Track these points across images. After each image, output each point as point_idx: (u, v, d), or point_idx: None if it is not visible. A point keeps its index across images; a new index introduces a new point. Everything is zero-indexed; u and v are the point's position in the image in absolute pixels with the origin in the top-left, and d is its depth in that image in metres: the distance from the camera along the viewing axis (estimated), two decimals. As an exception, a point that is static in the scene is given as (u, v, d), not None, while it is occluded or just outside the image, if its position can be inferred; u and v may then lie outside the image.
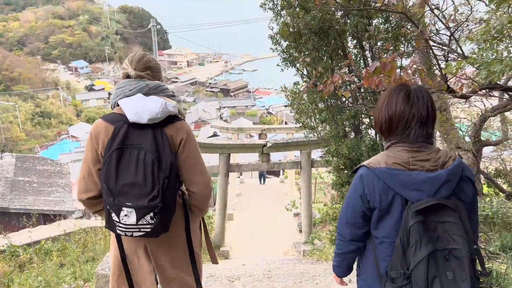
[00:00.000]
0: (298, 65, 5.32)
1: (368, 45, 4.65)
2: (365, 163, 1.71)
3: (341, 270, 1.93)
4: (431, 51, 3.16)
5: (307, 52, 5.10)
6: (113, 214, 1.82)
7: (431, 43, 4.00)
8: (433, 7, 3.52)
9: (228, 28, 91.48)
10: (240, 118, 45.51)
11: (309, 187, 8.90)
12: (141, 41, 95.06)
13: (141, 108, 1.85)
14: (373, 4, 4.03)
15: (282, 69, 5.55)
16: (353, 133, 5.70)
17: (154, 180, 1.79)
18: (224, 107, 54.53)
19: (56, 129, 56.57)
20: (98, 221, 7.57)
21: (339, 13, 4.41)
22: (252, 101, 66.41)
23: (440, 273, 1.48)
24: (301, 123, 6.65)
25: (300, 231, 10.79)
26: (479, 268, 1.60)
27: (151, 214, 1.79)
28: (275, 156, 13.36)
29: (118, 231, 1.86)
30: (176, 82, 79.96)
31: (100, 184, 1.91)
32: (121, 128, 1.85)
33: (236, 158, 14.30)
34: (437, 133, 7.43)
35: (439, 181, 1.57)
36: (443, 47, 3.40)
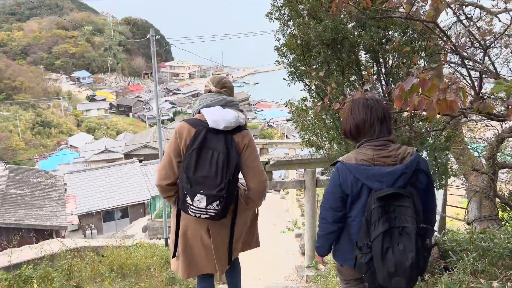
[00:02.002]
0: (305, 79, 4.92)
1: (382, 60, 4.25)
2: (340, 159, 2.17)
3: (324, 250, 2.37)
4: (464, 67, 2.74)
5: (315, 66, 4.70)
6: (188, 198, 2.28)
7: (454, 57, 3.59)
8: (463, 17, 3.11)
9: (230, 40, 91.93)
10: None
11: (314, 207, 8.42)
12: (144, 52, 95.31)
13: (219, 117, 2.33)
14: (396, 12, 3.62)
15: (288, 83, 5.14)
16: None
17: (222, 176, 2.25)
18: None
19: (56, 138, 56.18)
20: (86, 241, 7.04)
21: (351, 24, 4.00)
22: (253, 113, 66.19)
23: (394, 245, 1.93)
24: (306, 141, 6.21)
25: (303, 253, 10.26)
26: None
27: (217, 201, 2.25)
28: (276, 173, 12.87)
29: (190, 212, 2.32)
30: (177, 93, 79.90)
31: (176, 173, 2.40)
32: (201, 132, 2.32)
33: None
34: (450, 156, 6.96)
35: (396, 174, 2.02)
36: (475, 64, 2.97)
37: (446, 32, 2.76)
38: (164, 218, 12.80)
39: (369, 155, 2.07)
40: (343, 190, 2.11)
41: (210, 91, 2.56)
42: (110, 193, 22.82)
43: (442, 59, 2.94)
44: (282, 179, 11.19)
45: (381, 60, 4.19)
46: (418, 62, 4.02)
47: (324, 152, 6.55)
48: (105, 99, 72.88)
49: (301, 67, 4.93)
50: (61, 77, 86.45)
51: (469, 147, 7.85)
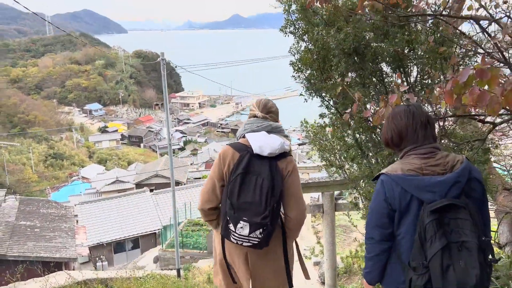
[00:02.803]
0: (324, 94, 4.66)
1: (407, 69, 3.98)
2: (383, 171, 1.98)
3: (374, 275, 2.07)
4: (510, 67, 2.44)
5: (332, 81, 4.45)
6: (230, 225, 2.20)
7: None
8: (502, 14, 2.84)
9: (239, 68, 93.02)
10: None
11: (333, 233, 7.96)
12: (154, 84, 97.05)
13: (264, 143, 2.29)
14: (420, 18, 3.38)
15: (305, 99, 4.88)
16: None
17: (267, 202, 2.17)
18: (236, 148, 53.90)
19: (68, 170, 56.51)
20: (94, 273, 6.68)
21: (372, 33, 3.75)
22: (263, 141, 65.87)
23: (454, 262, 1.72)
24: (326, 161, 5.88)
25: (322, 283, 9.70)
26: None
27: (261, 229, 2.17)
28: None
29: (232, 239, 2.24)
30: (188, 123, 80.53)
31: (219, 198, 2.35)
32: (245, 157, 2.26)
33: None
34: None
35: (449, 183, 1.83)
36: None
37: (486, 30, 2.49)
38: (176, 248, 12.40)
39: (416, 164, 1.90)
40: (390, 205, 1.93)
41: (255, 116, 2.49)
42: (121, 223, 22.54)
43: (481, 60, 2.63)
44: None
45: (406, 69, 3.92)
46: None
47: (344, 173, 6.20)
48: (116, 130, 73.66)
49: (318, 83, 4.68)
50: (74, 110, 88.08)
51: (496, 164, 7.44)
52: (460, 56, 3.34)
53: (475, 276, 1.70)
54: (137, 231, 22.27)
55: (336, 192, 9.48)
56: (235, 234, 2.21)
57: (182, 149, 64.96)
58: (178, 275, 9.09)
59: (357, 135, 4.95)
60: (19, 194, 28.80)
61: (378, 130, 4.41)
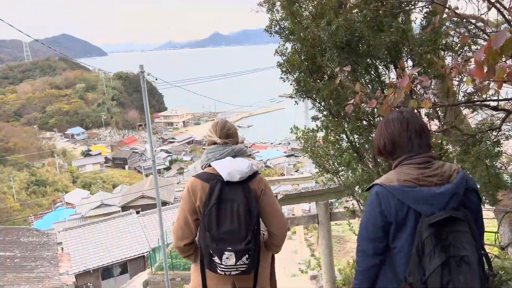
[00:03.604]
0: (315, 95, 4.39)
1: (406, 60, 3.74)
2: (378, 181, 1.89)
3: (367, 283, 1.98)
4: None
5: (329, 73, 4.18)
6: (215, 258, 2.16)
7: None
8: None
9: (223, 83, 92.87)
10: (240, 174, 44.50)
11: (330, 245, 7.62)
12: (137, 105, 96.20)
13: (233, 169, 2.24)
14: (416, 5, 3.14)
15: (296, 101, 4.61)
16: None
17: (247, 227, 2.15)
18: (223, 164, 53.45)
19: (51, 197, 55.04)
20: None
21: (364, 25, 3.50)
22: (249, 156, 65.67)
23: (453, 277, 1.65)
24: (319, 168, 5.58)
25: (321, 297, 9.32)
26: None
27: (247, 255, 2.15)
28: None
29: (219, 271, 2.19)
30: (173, 142, 79.74)
31: (194, 232, 2.31)
32: (216, 186, 2.21)
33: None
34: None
35: (447, 195, 1.76)
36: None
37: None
38: (165, 270, 11.85)
39: (412, 175, 1.82)
40: (386, 217, 1.83)
41: (215, 143, 2.43)
42: (108, 248, 21.77)
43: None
44: (293, 214, 10.43)
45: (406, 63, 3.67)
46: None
47: (339, 179, 5.91)
48: (100, 154, 72.46)
49: (308, 84, 4.41)
50: (56, 135, 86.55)
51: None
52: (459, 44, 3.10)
53: None
54: (125, 255, 21.53)
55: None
56: (222, 266, 2.16)
57: (168, 168, 64.10)
58: (169, 299, 8.58)
59: (352, 137, 4.67)
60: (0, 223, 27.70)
61: (374, 131, 4.14)
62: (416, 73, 1.98)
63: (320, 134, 5.87)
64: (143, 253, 21.31)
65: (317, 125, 4.77)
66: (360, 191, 5.48)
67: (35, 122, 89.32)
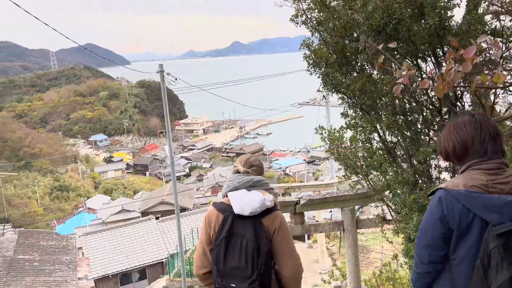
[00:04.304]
0: (343, 90, 4.05)
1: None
2: (442, 185, 1.75)
3: (419, 284, 1.91)
4: None
5: (355, 70, 3.85)
6: None
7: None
8: None
9: (243, 90, 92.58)
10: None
11: (356, 253, 7.19)
12: (158, 113, 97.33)
13: (244, 203, 2.20)
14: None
15: (324, 96, 4.30)
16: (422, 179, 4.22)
17: (253, 265, 2.09)
18: (242, 172, 53.36)
19: (74, 202, 55.97)
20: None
21: (402, 8, 3.15)
22: (268, 163, 65.47)
23: None
24: (347, 169, 5.21)
25: (345, 309, 8.83)
26: None
27: None
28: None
29: None
30: (193, 149, 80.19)
31: (211, 262, 2.25)
32: (228, 218, 2.20)
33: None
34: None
35: None
36: None
37: None
38: (183, 277, 11.56)
39: (481, 181, 1.68)
40: (447, 224, 1.70)
41: (238, 172, 2.45)
42: (127, 253, 21.70)
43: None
44: (317, 221, 10.00)
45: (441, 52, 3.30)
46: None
47: (368, 183, 5.51)
48: (122, 160, 73.44)
49: (338, 77, 4.08)
50: (79, 141, 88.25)
51: None
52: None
53: None
54: (144, 261, 21.39)
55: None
56: None
57: (187, 175, 64.39)
58: (187, 307, 8.28)
59: (385, 136, 4.30)
60: (22, 226, 28.05)
61: (412, 127, 3.76)
62: (485, 41, 1.63)
63: (348, 135, 5.52)
64: (161, 259, 21.13)
65: (346, 123, 4.41)
66: (391, 196, 5.08)
67: (59, 129, 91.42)
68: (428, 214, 1.77)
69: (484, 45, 1.72)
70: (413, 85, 2.09)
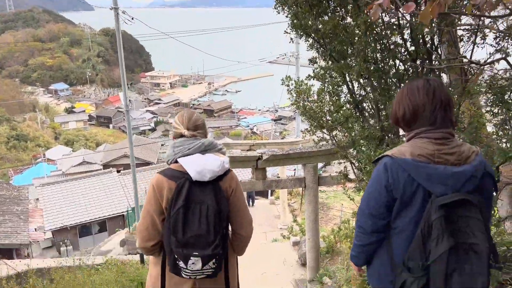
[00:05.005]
0: (313, 34, 3.69)
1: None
2: (388, 152, 1.73)
3: (360, 261, 1.95)
4: None
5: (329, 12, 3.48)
6: (180, 262, 2.02)
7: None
8: None
9: (212, 42, 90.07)
10: (225, 138, 44.33)
11: (316, 211, 7.13)
12: (124, 64, 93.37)
13: (202, 168, 2.06)
14: None
15: (291, 38, 3.93)
16: (390, 135, 4.02)
17: (216, 231, 2.01)
18: (209, 127, 53.09)
19: (32, 152, 53.90)
20: (26, 264, 5.56)
21: None
22: (236, 121, 65.15)
23: (459, 266, 1.53)
24: (312, 123, 4.95)
25: (303, 264, 8.94)
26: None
27: (214, 260, 2.02)
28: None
29: (184, 275, 2.06)
30: (159, 103, 78.22)
31: (161, 232, 2.12)
32: (184, 186, 2.04)
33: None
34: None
35: (465, 176, 1.61)
36: None
37: None
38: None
39: (428, 150, 1.67)
40: (391, 193, 1.69)
41: (182, 135, 2.22)
42: (86, 205, 21.26)
43: None
44: (277, 176, 9.87)
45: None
46: None
47: (333, 140, 5.30)
48: (84, 111, 70.93)
49: (307, 18, 3.70)
50: (38, 90, 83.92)
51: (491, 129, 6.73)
52: None
53: (481, 283, 1.54)
54: (104, 214, 21.09)
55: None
56: (187, 271, 2.02)
57: (153, 130, 63.21)
58: (142, 261, 8.10)
59: (354, 87, 4.02)
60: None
61: (384, 76, 3.47)
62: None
63: (316, 88, 5.23)
64: (122, 212, 20.87)
65: (313, 71, 4.08)
66: (355, 153, 4.90)
67: (16, 75, 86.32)
68: (374, 181, 1.74)
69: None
70: (394, 10, 1.77)
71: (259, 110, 77.34)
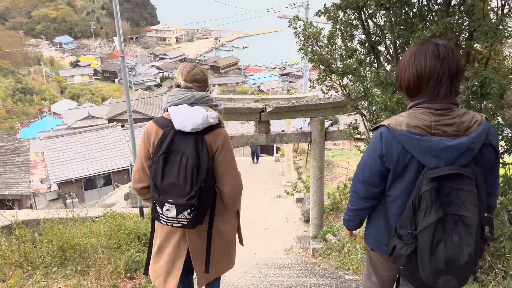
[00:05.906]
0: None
1: None
2: (385, 122, 1.73)
3: (353, 225, 2.00)
4: None
5: None
6: (157, 207, 2.12)
7: None
8: None
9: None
10: (231, 95, 43.82)
11: (322, 167, 6.80)
12: (128, 16, 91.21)
13: (185, 118, 2.10)
14: None
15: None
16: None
17: (192, 183, 2.04)
18: (214, 84, 52.38)
19: (38, 106, 53.92)
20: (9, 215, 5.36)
21: None
22: (242, 78, 64.09)
23: (446, 237, 1.56)
24: (324, 68, 4.51)
25: (306, 221, 8.78)
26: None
27: (188, 210, 2.07)
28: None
29: (162, 221, 2.16)
30: (164, 58, 76.92)
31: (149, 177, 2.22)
32: (169, 134, 2.10)
33: (226, 128, 11.94)
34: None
35: (459, 150, 1.59)
36: None
37: None
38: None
39: (425, 122, 1.62)
40: (385, 163, 1.70)
41: (179, 86, 2.27)
42: (91, 159, 21.27)
43: None
44: (283, 131, 9.51)
45: None
46: None
47: (343, 89, 4.87)
48: (89, 65, 70.17)
49: None
50: (42, 42, 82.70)
51: None
52: None
53: (467, 254, 1.55)
54: (109, 167, 21.12)
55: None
56: (163, 217, 2.10)
57: (158, 85, 62.54)
58: (141, 214, 7.97)
59: (368, 26, 3.55)
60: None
61: (407, 7, 3.00)
62: None
63: (326, 32, 4.74)
64: (126, 166, 20.87)
65: (324, 6, 3.59)
66: (367, 104, 4.49)
67: (20, 27, 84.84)
68: (369, 150, 1.76)
69: None
70: None
71: (267, 67, 75.92)
